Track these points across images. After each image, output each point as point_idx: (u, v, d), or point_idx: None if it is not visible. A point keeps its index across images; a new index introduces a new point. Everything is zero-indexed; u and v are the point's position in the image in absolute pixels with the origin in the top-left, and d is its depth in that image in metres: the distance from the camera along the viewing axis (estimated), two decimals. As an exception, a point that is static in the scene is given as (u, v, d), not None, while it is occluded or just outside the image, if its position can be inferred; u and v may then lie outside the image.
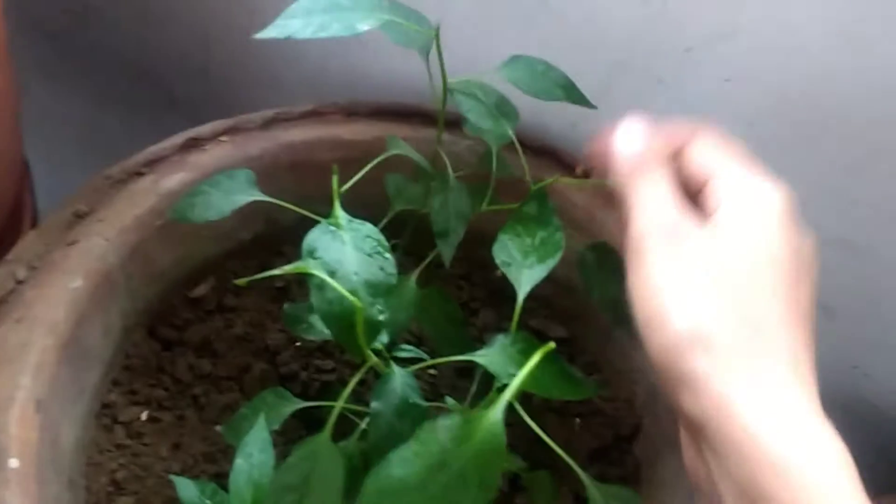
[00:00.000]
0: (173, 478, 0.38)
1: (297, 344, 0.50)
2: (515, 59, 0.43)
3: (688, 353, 0.29)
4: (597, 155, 0.37)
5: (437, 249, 0.44)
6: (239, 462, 0.35)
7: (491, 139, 0.43)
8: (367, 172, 0.42)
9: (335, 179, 0.37)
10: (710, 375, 0.29)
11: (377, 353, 0.37)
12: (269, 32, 0.36)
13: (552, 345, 0.27)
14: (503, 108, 0.44)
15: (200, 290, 0.50)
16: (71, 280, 0.42)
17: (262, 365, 0.49)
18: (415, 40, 0.40)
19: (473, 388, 0.44)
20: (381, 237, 0.35)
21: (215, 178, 0.42)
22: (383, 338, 0.39)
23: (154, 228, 0.46)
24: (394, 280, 0.34)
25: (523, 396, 0.35)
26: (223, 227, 0.44)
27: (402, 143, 0.45)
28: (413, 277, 0.44)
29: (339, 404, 0.35)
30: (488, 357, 0.36)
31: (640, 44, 0.50)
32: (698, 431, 0.29)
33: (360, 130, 0.52)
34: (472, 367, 0.48)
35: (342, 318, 0.33)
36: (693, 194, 0.34)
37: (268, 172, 0.47)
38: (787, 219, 0.31)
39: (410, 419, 0.36)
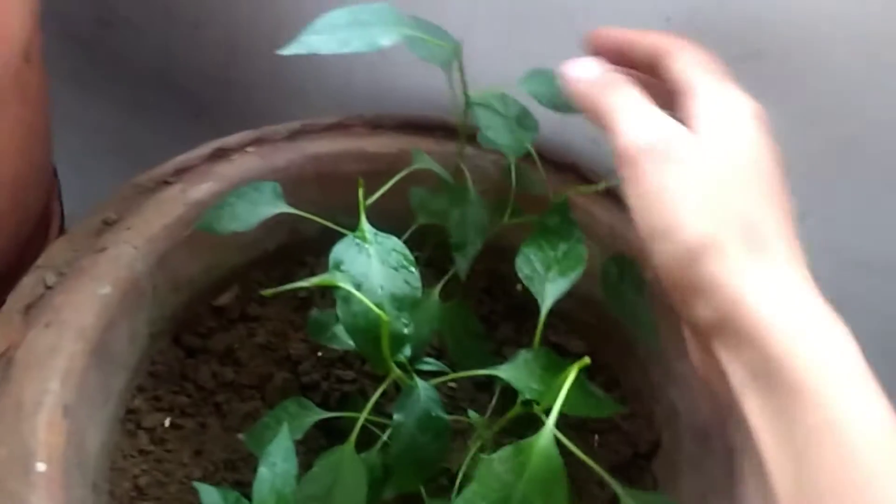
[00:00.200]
0: (197, 484, 0.38)
1: (319, 354, 0.50)
2: (536, 72, 0.43)
3: (700, 260, 0.31)
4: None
5: (456, 266, 0.44)
6: (262, 471, 0.36)
7: (508, 151, 0.44)
8: (390, 185, 0.42)
9: (361, 192, 0.37)
10: (724, 277, 0.31)
11: (400, 365, 0.38)
12: (292, 49, 0.37)
13: (587, 360, 0.28)
14: (523, 121, 0.44)
15: (224, 298, 0.51)
16: (100, 286, 0.43)
17: (284, 374, 0.49)
18: (437, 55, 0.41)
19: (493, 403, 0.44)
20: (407, 251, 0.36)
21: (242, 190, 0.43)
22: (406, 351, 0.39)
23: (181, 237, 0.46)
24: (419, 294, 0.35)
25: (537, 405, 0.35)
26: (248, 237, 0.45)
27: (427, 157, 0.46)
28: (436, 291, 0.44)
29: (363, 416, 0.35)
30: (511, 372, 0.36)
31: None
32: (711, 333, 0.31)
33: (385, 143, 0.53)
34: (490, 380, 0.49)
35: (367, 330, 0.34)
36: (669, 106, 0.35)
37: (293, 183, 0.47)
38: (764, 126, 0.34)
39: (433, 432, 0.36)
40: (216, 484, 0.44)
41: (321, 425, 0.43)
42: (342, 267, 0.35)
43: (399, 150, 0.52)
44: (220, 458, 0.45)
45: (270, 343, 0.51)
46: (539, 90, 0.42)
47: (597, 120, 0.35)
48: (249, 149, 0.51)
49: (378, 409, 0.40)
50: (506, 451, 0.29)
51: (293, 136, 0.52)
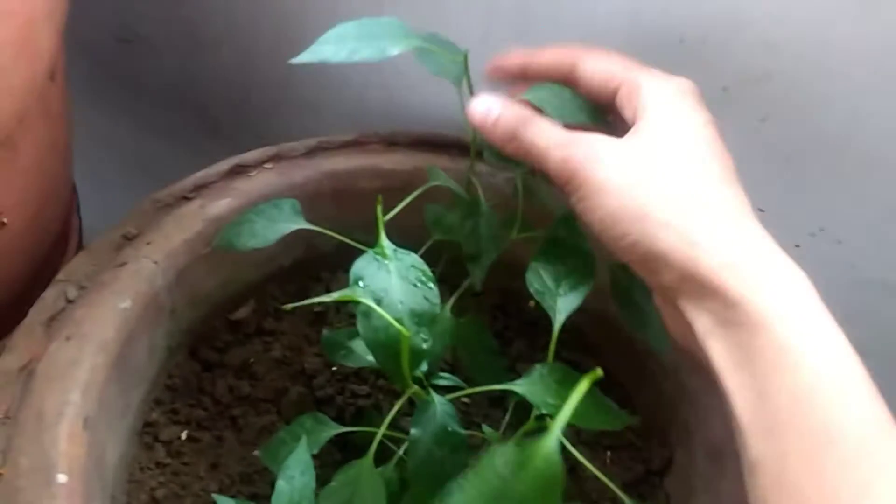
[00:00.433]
0: (216, 497, 0.39)
1: (334, 368, 0.51)
2: (542, 86, 0.44)
3: (657, 235, 0.33)
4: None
5: (470, 277, 0.45)
6: (281, 484, 0.36)
7: (514, 166, 0.44)
8: (408, 202, 0.43)
9: (379, 209, 0.38)
10: (680, 243, 0.33)
11: (417, 380, 0.38)
12: (303, 57, 0.38)
13: (599, 371, 0.28)
14: None
15: (241, 313, 0.51)
16: (120, 300, 0.43)
17: (299, 388, 0.49)
18: (448, 70, 0.41)
19: (507, 418, 0.45)
20: (426, 267, 0.36)
21: (260, 207, 0.44)
22: (423, 366, 0.40)
23: (200, 253, 0.47)
24: (437, 310, 0.35)
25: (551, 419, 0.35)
26: (265, 252, 0.45)
27: (443, 174, 0.46)
28: (448, 307, 0.45)
29: (381, 431, 0.36)
30: (526, 387, 0.36)
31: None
32: (677, 293, 0.34)
33: (400, 160, 0.54)
34: (504, 395, 0.49)
35: (388, 345, 0.34)
36: (603, 103, 0.39)
37: (310, 200, 0.48)
38: (698, 100, 0.37)
39: (449, 447, 0.36)
40: (232, 497, 0.45)
41: (336, 440, 0.43)
42: (362, 282, 0.35)
43: (414, 168, 0.53)
44: (236, 472, 0.46)
45: (286, 357, 0.51)
46: (546, 100, 0.43)
47: (521, 158, 0.38)
48: (267, 165, 0.52)
49: (393, 424, 0.41)
50: (509, 447, 0.29)
51: (310, 152, 0.53)
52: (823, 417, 0.29)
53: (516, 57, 0.41)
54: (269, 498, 0.39)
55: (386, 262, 0.36)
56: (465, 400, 0.51)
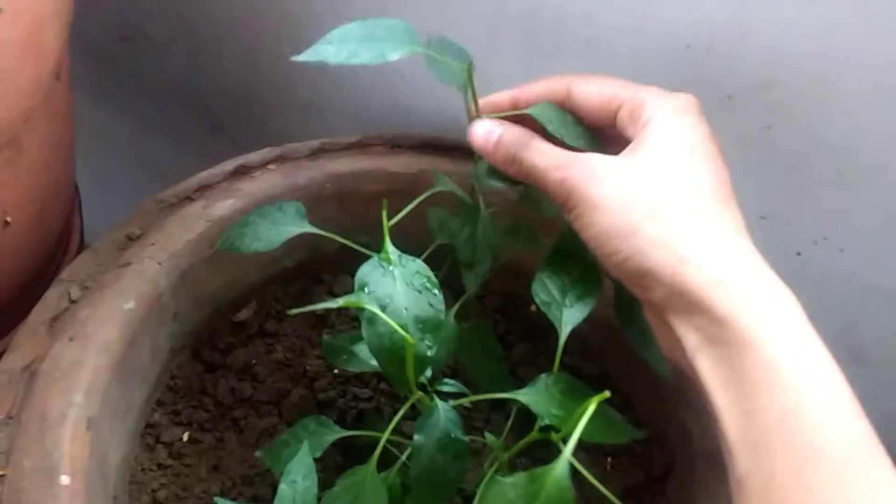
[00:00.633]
0: (218, 500, 0.39)
1: (335, 371, 0.51)
2: (550, 103, 0.43)
3: (647, 251, 0.33)
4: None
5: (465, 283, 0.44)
6: (283, 488, 0.36)
7: (511, 185, 0.44)
8: (413, 206, 0.43)
9: (384, 214, 0.38)
10: (669, 260, 0.33)
11: (420, 386, 0.38)
12: (305, 56, 0.37)
13: (607, 393, 0.28)
14: None
15: (243, 314, 0.51)
16: (123, 301, 0.43)
17: (301, 391, 0.50)
18: (454, 76, 0.41)
19: (509, 424, 0.45)
20: (431, 273, 0.36)
21: (265, 209, 0.43)
22: (427, 372, 0.40)
23: (204, 254, 0.47)
24: (442, 316, 0.35)
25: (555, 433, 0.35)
26: (268, 254, 0.45)
27: (447, 179, 0.46)
28: (452, 313, 0.45)
29: (385, 436, 0.36)
30: (531, 396, 0.36)
31: (683, 89, 0.51)
32: (666, 309, 0.34)
33: (404, 163, 0.54)
34: (506, 400, 0.49)
35: (392, 351, 0.34)
36: (600, 126, 0.39)
37: (314, 202, 0.48)
38: (700, 115, 0.37)
39: (452, 453, 0.37)
40: (233, 499, 0.45)
41: (337, 442, 0.43)
42: (367, 288, 0.35)
43: (418, 171, 0.53)
44: (238, 474, 0.46)
45: (288, 359, 0.51)
46: (549, 118, 0.42)
47: (522, 179, 0.39)
48: (271, 166, 0.52)
49: (395, 428, 0.41)
50: (519, 478, 0.29)
51: (314, 154, 0.53)
52: (810, 436, 0.29)
53: (508, 92, 0.41)
54: (269, 500, 0.39)
55: (391, 268, 0.36)
56: (467, 405, 0.51)
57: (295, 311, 0.36)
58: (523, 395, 0.36)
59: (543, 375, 0.37)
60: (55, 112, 0.48)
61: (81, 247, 0.60)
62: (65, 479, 0.37)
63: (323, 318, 0.54)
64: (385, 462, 0.40)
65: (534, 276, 0.41)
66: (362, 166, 0.53)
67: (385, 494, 0.35)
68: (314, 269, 0.54)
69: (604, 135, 0.40)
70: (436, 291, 0.36)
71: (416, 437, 0.36)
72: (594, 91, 0.39)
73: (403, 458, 0.39)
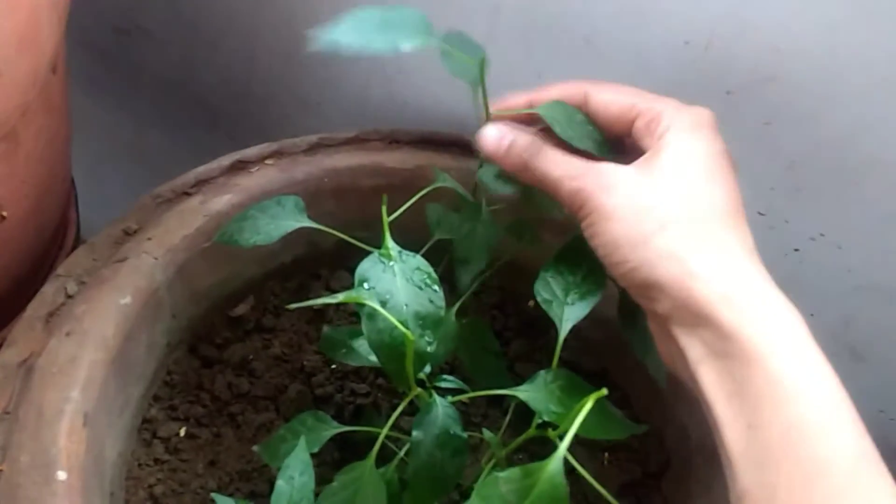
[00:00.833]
0: (215, 496, 0.39)
1: (333, 366, 0.51)
2: (559, 101, 0.43)
3: (655, 262, 0.33)
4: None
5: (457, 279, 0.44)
6: (280, 484, 0.36)
7: (515, 186, 0.44)
8: (412, 202, 0.42)
9: (384, 210, 0.38)
10: (676, 272, 0.33)
11: (419, 382, 0.38)
12: (318, 42, 0.35)
13: (604, 391, 0.28)
14: None
15: (240, 309, 0.51)
16: (120, 296, 0.43)
17: (298, 386, 0.49)
18: (467, 72, 0.40)
19: (507, 420, 0.45)
20: (431, 270, 0.36)
21: (264, 204, 0.43)
22: (426, 368, 0.40)
23: (201, 249, 0.47)
24: (442, 312, 0.35)
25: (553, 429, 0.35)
26: (266, 249, 0.45)
27: (447, 175, 0.46)
28: (453, 310, 0.44)
29: (384, 432, 0.36)
30: (529, 393, 0.36)
31: (682, 85, 0.51)
32: (671, 320, 0.34)
33: (402, 159, 0.54)
34: (504, 396, 0.49)
35: (392, 347, 0.34)
36: (615, 134, 0.39)
37: (311, 196, 0.48)
38: (715, 130, 0.37)
39: (451, 449, 0.37)
40: (230, 495, 0.44)
41: (335, 438, 0.43)
42: (367, 284, 0.35)
43: (416, 166, 0.53)
44: (235, 469, 0.46)
45: (285, 354, 0.51)
46: (556, 118, 0.42)
47: (533, 184, 0.39)
48: (269, 161, 0.52)
49: (393, 424, 0.41)
50: (513, 473, 0.29)
51: (312, 149, 0.53)
52: (813, 451, 0.29)
53: (523, 94, 0.41)
54: (267, 495, 0.39)
55: (391, 263, 0.36)
56: (465, 400, 0.51)
57: (294, 305, 0.36)
58: (522, 392, 0.36)
59: (542, 372, 0.37)
60: (51, 105, 0.48)
61: (77, 241, 0.60)
62: (61, 475, 0.37)
63: (320, 314, 0.53)
64: (383, 457, 0.40)
65: (532, 272, 0.41)
66: (360, 161, 0.53)
67: (383, 490, 0.35)
68: (311, 265, 0.54)
69: (620, 143, 0.39)
70: (436, 288, 0.36)
71: (414, 433, 0.36)
72: (612, 99, 0.38)
73: (402, 453, 0.39)
